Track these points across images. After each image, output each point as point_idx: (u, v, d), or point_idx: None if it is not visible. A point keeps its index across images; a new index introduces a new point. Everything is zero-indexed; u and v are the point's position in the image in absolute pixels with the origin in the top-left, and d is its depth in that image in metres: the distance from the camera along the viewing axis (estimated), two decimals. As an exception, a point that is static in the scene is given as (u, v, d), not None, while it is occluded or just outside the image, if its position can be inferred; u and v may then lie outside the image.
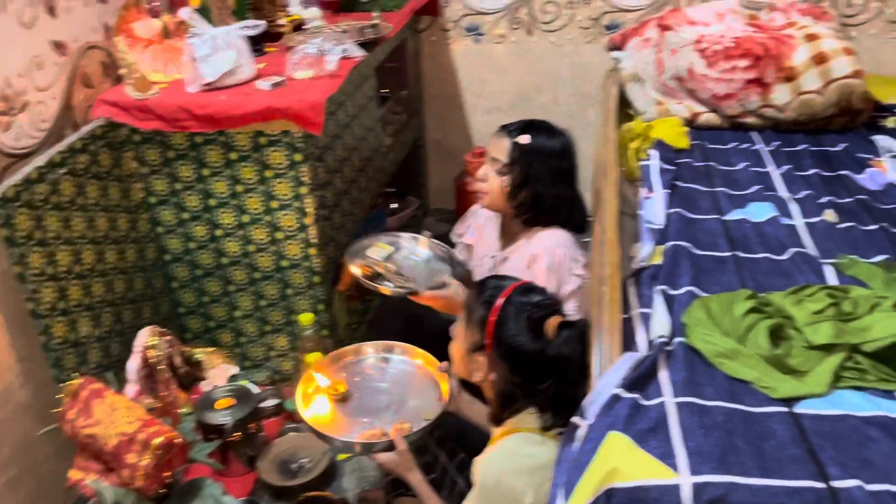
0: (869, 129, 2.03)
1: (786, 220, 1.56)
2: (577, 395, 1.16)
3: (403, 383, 1.77)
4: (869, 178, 1.75)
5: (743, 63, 2.01)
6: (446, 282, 1.83)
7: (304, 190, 1.88)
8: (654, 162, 1.81)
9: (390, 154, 2.59)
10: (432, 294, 1.81)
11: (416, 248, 2.07)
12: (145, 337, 1.87)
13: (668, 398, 1.05)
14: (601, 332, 1.22)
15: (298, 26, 2.32)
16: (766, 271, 1.38)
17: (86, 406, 1.62)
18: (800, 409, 1.03)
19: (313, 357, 1.97)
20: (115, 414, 1.59)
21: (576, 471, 0.99)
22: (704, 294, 1.29)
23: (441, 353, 1.68)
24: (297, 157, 1.84)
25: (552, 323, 1.34)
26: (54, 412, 1.67)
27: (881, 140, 1.93)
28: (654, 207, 1.61)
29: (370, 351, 1.86)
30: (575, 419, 1.09)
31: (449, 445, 1.71)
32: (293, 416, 1.99)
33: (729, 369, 1.10)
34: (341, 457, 1.85)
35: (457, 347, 1.51)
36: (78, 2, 1.88)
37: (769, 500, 0.89)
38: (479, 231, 2.06)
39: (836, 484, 0.89)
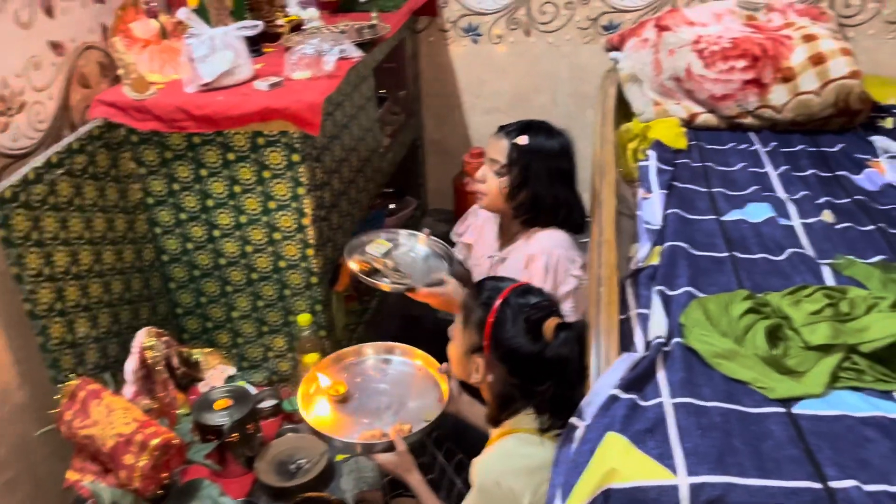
0: (866, 129, 2.03)
1: (783, 221, 1.56)
2: (575, 397, 1.16)
3: (404, 384, 1.77)
4: (866, 179, 1.75)
5: (741, 64, 2.01)
6: (444, 279, 1.83)
7: (301, 190, 1.88)
8: (652, 162, 1.81)
9: (388, 154, 2.59)
10: (429, 291, 1.81)
11: (414, 245, 2.08)
12: (143, 338, 1.87)
13: (665, 399, 1.05)
14: (599, 332, 1.22)
15: (296, 27, 2.32)
16: (764, 272, 1.38)
17: (83, 407, 1.62)
18: (797, 409, 1.03)
19: (311, 358, 1.97)
20: (113, 415, 1.59)
21: (573, 472, 0.99)
22: (702, 294, 1.29)
23: (439, 354, 1.68)
24: (295, 157, 1.84)
25: (550, 324, 1.34)
26: (52, 413, 1.66)
27: (879, 140, 1.93)
28: (652, 208, 1.61)
29: (371, 352, 1.86)
30: (573, 420, 1.09)
31: (447, 446, 1.71)
32: (291, 417, 1.99)
33: (726, 370, 1.10)
34: (339, 457, 1.85)
35: (454, 349, 1.51)
36: (75, 2, 1.88)
37: (766, 501, 0.89)
38: (478, 231, 2.06)
39: (834, 484, 0.89)
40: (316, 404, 1.72)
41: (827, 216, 1.57)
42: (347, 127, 2.12)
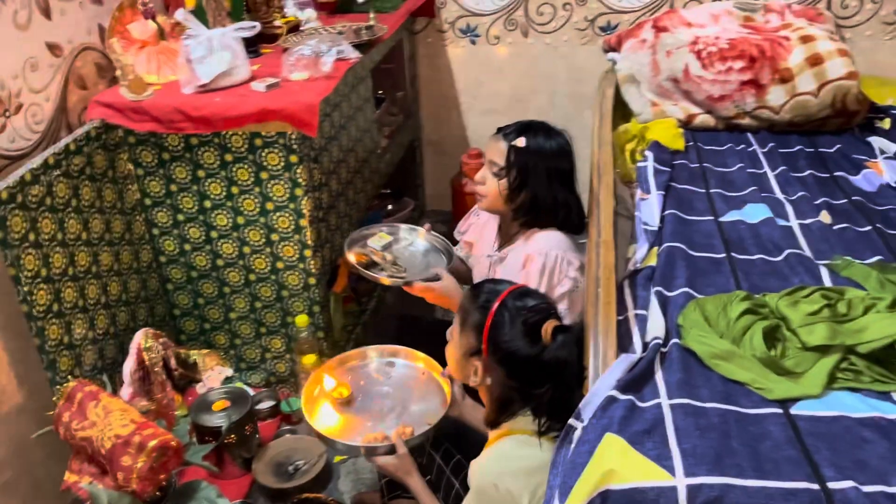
0: (864, 130, 2.03)
1: (781, 222, 1.56)
2: (573, 399, 1.16)
3: (407, 387, 1.78)
4: (864, 180, 1.75)
5: (738, 64, 2.01)
6: (440, 274, 1.83)
7: (299, 191, 1.88)
8: (650, 163, 1.81)
9: (386, 155, 2.59)
10: (424, 286, 1.81)
11: (414, 240, 2.08)
12: (140, 339, 1.87)
13: (663, 400, 1.05)
14: (597, 333, 1.21)
15: (294, 28, 2.32)
16: (762, 272, 1.38)
17: (81, 408, 1.62)
18: (795, 410, 1.03)
19: (309, 359, 1.97)
20: (110, 416, 1.59)
21: (571, 473, 0.99)
22: (700, 295, 1.29)
23: (437, 355, 1.68)
24: (293, 158, 1.84)
25: (548, 327, 1.34)
26: (49, 415, 1.66)
27: (876, 141, 1.93)
28: (650, 209, 1.61)
29: (374, 355, 1.87)
30: (571, 421, 1.09)
31: (445, 446, 1.71)
32: (289, 418, 1.99)
33: (724, 371, 1.10)
34: (337, 459, 1.85)
35: (453, 351, 1.51)
36: (73, 3, 1.88)
37: (764, 502, 0.89)
38: (479, 230, 2.07)
39: (832, 485, 0.89)
40: (319, 407, 1.72)
41: (825, 217, 1.57)
42: (345, 128, 2.12)
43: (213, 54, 1.86)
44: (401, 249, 2.04)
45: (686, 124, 2.10)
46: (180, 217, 1.99)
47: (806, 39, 2.03)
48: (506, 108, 2.95)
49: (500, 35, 2.85)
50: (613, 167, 1.85)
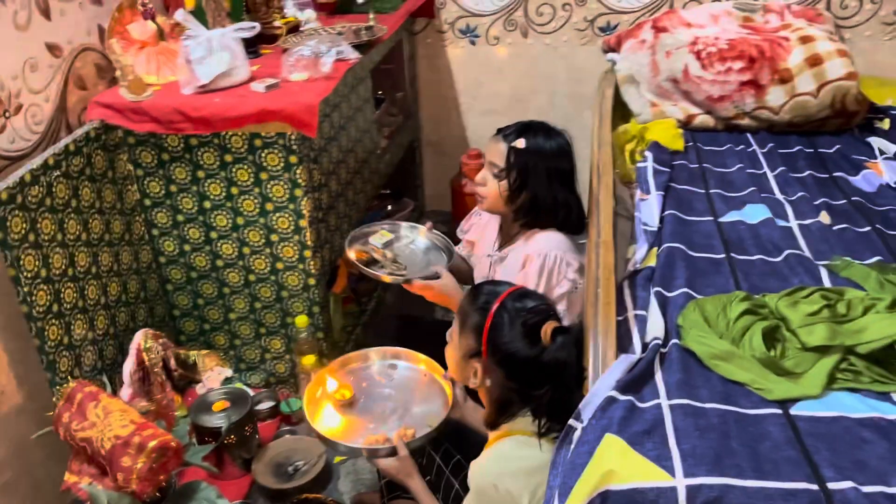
0: (863, 130, 2.03)
1: (781, 222, 1.56)
2: (572, 400, 1.16)
3: (409, 389, 1.78)
4: (863, 180, 1.76)
5: (738, 65, 2.01)
6: (440, 273, 1.83)
7: (299, 192, 1.88)
8: (649, 164, 1.81)
9: (386, 156, 2.59)
10: (423, 284, 1.81)
11: (415, 238, 2.08)
12: (140, 339, 1.87)
13: (663, 400, 1.05)
14: (596, 333, 1.22)
15: (294, 28, 2.32)
16: (761, 273, 1.38)
17: (80, 409, 1.62)
18: (795, 410, 1.03)
19: (309, 359, 1.97)
20: (110, 417, 1.59)
21: (571, 473, 0.99)
22: (699, 296, 1.29)
23: (437, 356, 1.68)
24: (293, 159, 1.84)
25: (547, 328, 1.34)
26: (49, 415, 1.66)
27: (876, 142, 1.93)
28: (650, 209, 1.61)
29: (376, 357, 1.87)
30: (570, 422, 1.09)
31: (445, 447, 1.71)
32: (289, 419, 1.99)
33: (724, 371, 1.10)
34: (337, 459, 1.85)
35: (452, 353, 1.51)
36: (72, 4, 1.88)
37: (764, 502, 0.89)
38: (481, 229, 2.07)
39: (831, 486, 0.90)
40: (322, 408, 1.72)
41: (824, 217, 1.57)
42: (345, 128, 2.12)
43: (212, 55, 1.86)
44: (401, 247, 2.04)
45: (685, 125, 2.10)
46: (180, 218, 1.99)
47: (805, 40, 2.03)
48: (505, 109, 2.95)
49: (500, 35, 2.85)
50: (613, 168, 1.85)
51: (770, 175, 1.81)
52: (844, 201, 1.66)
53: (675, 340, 1.18)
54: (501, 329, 1.37)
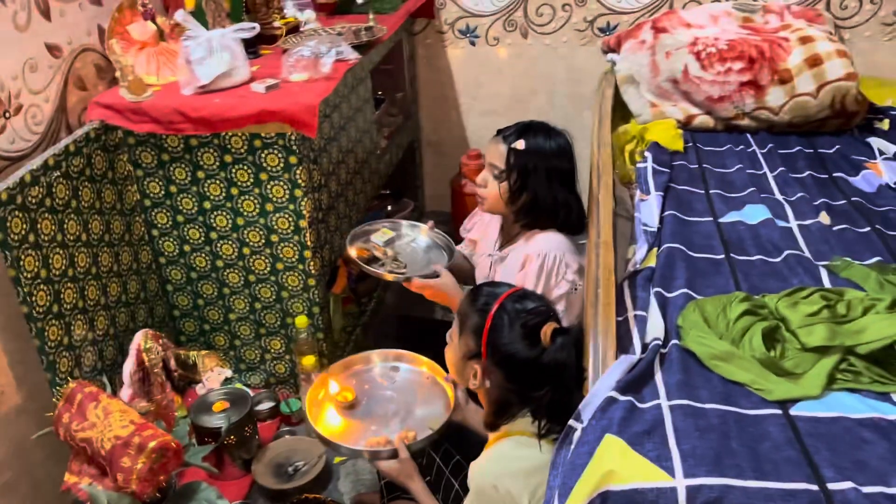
0: (863, 131, 2.03)
1: (780, 223, 1.56)
2: (572, 402, 1.16)
3: (411, 392, 1.79)
4: (863, 181, 1.76)
5: (737, 65, 2.01)
6: (439, 272, 1.83)
7: (299, 192, 1.88)
8: (649, 164, 1.81)
9: (386, 156, 2.59)
10: (423, 283, 1.81)
11: (416, 236, 2.08)
12: (140, 340, 1.87)
13: (663, 401, 1.05)
14: (596, 334, 1.22)
15: (293, 29, 2.32)
16: (761, 273, 1.38)
17: (80, 409, 1.62)
18: (794, 411, 1.03)
19: (309, 360, 1.97)
20: (110, 417, 1.59)
21: (571, 474, 0.99)
22: (699, 296, 1.29)
23: (437, 357, 1.68)
24: (292, 159, 1.84)
25: (547, 330, 1.34)
26: (49, 416, 1.66)
27: (875, 142, 1.93)
28: (650, 210, 1.61)
29: (378, 359, 1.87)
30: (570, 422, 1.09)
31: (445, 448, 1.71)
32: (288, 419, 1.99)
33: (724, 372, 1.10)
34: (337, 460, 1.85)
35: (452, 354, 1.51)
36: (72, 4, 1.88)
37: (764, 503, 0.89)
38: (483, 228, 2.07)
39: (831, 486, 0.90)
40: (324, 411, 1.73)
41: (824, 218, 1.57)
42: (344, 129, 2.12)
43: (212, 55, 1.86)
44: (402, 245, 2.05)
45: (685, 125, 2.10)
46: (180, 218, 1.99)
47: (805, 40, 2.03)
48: (505, 109, 2.95)
49: (500, 36, 2.85)
50: (613, 168, 1.85)
51: (770, 175, 1.81)
52: (844, 202, 1.66)
53: (674, 341, 1.18)
54: (501, 330, 1.37)
